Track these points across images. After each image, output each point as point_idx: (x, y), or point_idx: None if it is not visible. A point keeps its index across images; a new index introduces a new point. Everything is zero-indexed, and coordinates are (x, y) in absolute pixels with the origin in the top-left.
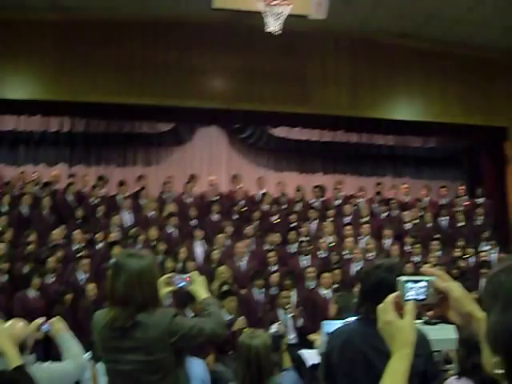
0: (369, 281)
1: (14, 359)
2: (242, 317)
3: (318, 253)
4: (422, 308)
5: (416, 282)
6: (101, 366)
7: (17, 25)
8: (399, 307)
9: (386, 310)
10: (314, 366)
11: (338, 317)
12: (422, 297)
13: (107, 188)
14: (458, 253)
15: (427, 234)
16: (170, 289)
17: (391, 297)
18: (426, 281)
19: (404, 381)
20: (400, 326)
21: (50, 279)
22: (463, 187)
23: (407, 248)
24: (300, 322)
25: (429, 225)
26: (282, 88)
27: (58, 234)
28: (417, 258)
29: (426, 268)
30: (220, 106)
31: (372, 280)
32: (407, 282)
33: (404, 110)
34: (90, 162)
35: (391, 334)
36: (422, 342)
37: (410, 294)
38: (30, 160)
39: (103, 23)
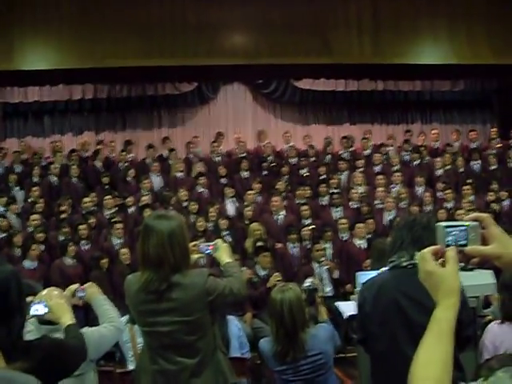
0: (398, 230)
1: (68, 319)
2: (276, 273)
3: (349, 204)
4: (463, 257)
5: (456, 227)
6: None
7: None
8: (440, 255)
9: (425, 259)
10: (351, 317)
11: (375, 266)
12: (463, 242)
13: (135, 152)
14: (491, 196)
15: (459, 179)
16: (197, 256)
17: (429, 247)
18: (467, 226)
19: (451, 330)
20: (443, 275)
21: (85, 246)
22: (495, 129)
23: (439, 194)
24: (336, 273)
25: (461, 170)
26: (304, 39)
27: (89, 200)
28: (450, 204)
29: (469, 215)
30: (242, 61)
31: (401, 228)
32: (447, 227)
33: (430, 54)
34: (115, 128)
35: (434, 283)
36: None
37: (451, 240)
38: (56, 130)
39: None
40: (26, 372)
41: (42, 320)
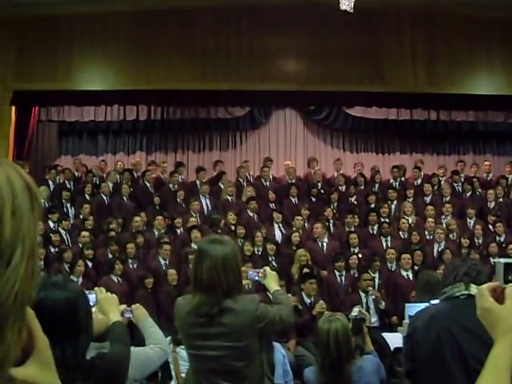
0: (461, 264)
1: (116, 316)
2: (321, 301)
3: (399, 233)
4: None
5: None
6: (181, 351)
7: (92, 17)
8: (499, 292)
9: (483, 295)
10: (396, 349)
11: (420, 299)
12: None
13: (185, 174)
14: None
15: None
16: (245, 282)
17: (488, 284)
18: None
19: (508, 369)
20: (500, 313)
21: (133, 265)
22: None
23: (491, 227)
24: (382, 304)
25: None
26: (358, 67)
27: (139, 220)
28: (501, 238)
29: None
30: (295, 87)
31: (467, 267)
32: (507, 264)
33: (484, 84)
34: (167, 149)
35: (492, 321)
36: None
37: (510, 278)
38: (110, 149)
39: (175, 11)
40: None
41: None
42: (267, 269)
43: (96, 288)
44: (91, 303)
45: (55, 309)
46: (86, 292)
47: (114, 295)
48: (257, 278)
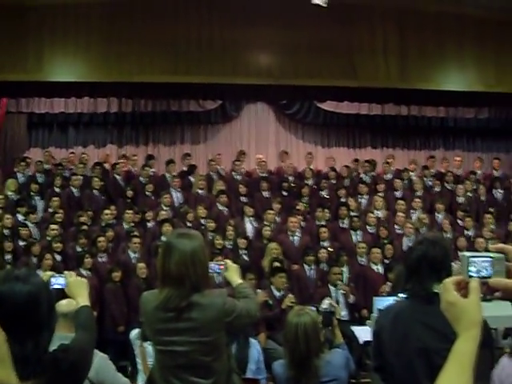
0: (412, 255)
1: (84, 300)
2: (291, 295)
3: (368, 228)
4: (486, 289)
5: (480, 257)
6: (148, 346)
7: (63, 7)
8: (463, 286)
9: (447, 289)
10: (366, 342)
11: (396, 290)
12: (486, 273)
13: (156, 167)
14: None
15: (480, 208)
16: None
17: (452, 277)
18: (492, 258)
19: (471, 363)
20: (464, 306)
21: (102, 258)
22: None
23: (460, 222)
24: (352, 298)
25: (482, 198)
26: (329, 61)
27: (109, 213)
28: (470, 232)
29: (495, 245)
30: (267, 81)
31: (415, 255)
32: (471, 257)
33: (455, 80)
34: (138, 142)
35: (455, 314)
36: None
37: (474, 271)
38: (80, 142)
39: (147, 3)
40: None
41: None
42: (228, 262)
43: (66, 272)
44: (61, 286)
45: (16, 303)
46: (56, 275)
47: (83, 279)
48: (218, 270)
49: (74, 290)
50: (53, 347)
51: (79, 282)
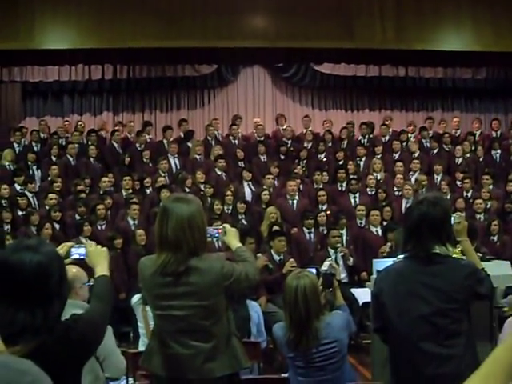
0: (412, 216)
1: (103, 270)
2: (292, 259)
3: (367, 190)
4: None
5: None
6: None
7: None
8: None
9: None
10: (365, 304)
11: (392, 254)
12: None
13: (153, 133)
14: (511, 187)
15: (479, 169)
16: None
17: None
18: None
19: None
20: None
21: (101, 226)
22: None
23: (459, 183)
24: (351, 260)
25: (481, 159)
26: (326, 23)
27: (107, 181)
28: (468, 194)
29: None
30: (262, 44)
31: (415, 215)
32: None
33: (453, 41)
34: (134, 109)
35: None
36: None
37: None
38: (75, 110)
39: None
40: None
41: None
42: (227, 226)
43: (85, 241)
44: (81, 256)
45: (26, 272)
46: (76, 245)
47: (104, 248)
48: (216, 235)
49: (94, 260)
50: (67, 315)
51: (99, 252)
